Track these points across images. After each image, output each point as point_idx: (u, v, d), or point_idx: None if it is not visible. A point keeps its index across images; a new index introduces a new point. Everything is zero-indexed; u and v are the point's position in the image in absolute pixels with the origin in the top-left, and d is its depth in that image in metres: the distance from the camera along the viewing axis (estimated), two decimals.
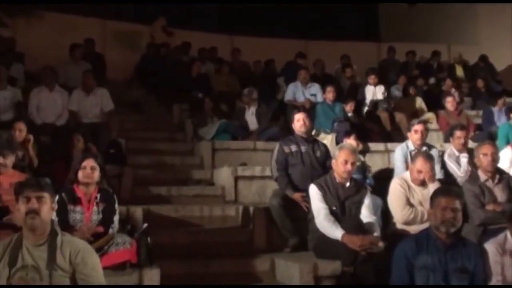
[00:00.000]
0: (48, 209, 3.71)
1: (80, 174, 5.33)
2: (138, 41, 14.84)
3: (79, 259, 3.69)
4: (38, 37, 13.53)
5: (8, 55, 11.40)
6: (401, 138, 9.08)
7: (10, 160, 5.13)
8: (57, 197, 5.11)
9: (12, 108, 8.93)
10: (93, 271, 3.73)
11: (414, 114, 10.68)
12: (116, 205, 5.41)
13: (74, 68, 10.53)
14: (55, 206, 3.86)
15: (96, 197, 5.29)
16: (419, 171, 5.91)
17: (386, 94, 11.40)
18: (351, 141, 7.65)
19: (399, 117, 10.65)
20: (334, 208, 5.52)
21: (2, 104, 8.88)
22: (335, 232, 5.28)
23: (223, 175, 7.75)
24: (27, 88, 9.66)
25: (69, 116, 8.85)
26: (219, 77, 12.06)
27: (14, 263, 3.64)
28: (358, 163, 6.28)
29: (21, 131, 6.86)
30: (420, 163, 5.92)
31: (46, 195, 3.72)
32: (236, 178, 7.59)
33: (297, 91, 10.84)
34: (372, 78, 11.56)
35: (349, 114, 10.30)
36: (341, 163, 5.60)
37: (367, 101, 11.36)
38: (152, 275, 4.97)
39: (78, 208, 5.20)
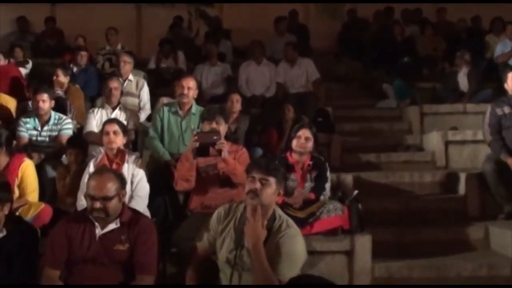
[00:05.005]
0: (270, 193, 3.74)
1: (295, 143, 5.39)
2: (340, 9, 14.79)
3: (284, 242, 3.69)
4: (242, 13, 14.00)
5: (216, 33, 12.01)
6: None
7: (223, 128, 5.28)
8: None
9: (223, 83, 9.42)
10: (288, 256, 3.68)
11: None
12: (328, 173, 5.48)
13: (279, 41, 10.73)
14: (282, 192, 3.90)
15: (309, 165, 5.39)
16: None
17: None
18: None
19: None
20: None
21: (214, 79, 9.41)
22: None
23: (433, 140, 7.61)
24: (235, 63, 10.17)
25: (277, 88, 9.12)
26: (423, 40, 11.71)
27: (240, 240, 3.77)
28: None
29: (238, 102, 7.13)
30: None
31: (272, 180, 3.75)
32: (447, 143, 7.44)
33: (506, 49, 10.24)
34: None
35: None
36: None
37: None
38: (364, 241, 5.05)
39: (291, 176, 5.29)
